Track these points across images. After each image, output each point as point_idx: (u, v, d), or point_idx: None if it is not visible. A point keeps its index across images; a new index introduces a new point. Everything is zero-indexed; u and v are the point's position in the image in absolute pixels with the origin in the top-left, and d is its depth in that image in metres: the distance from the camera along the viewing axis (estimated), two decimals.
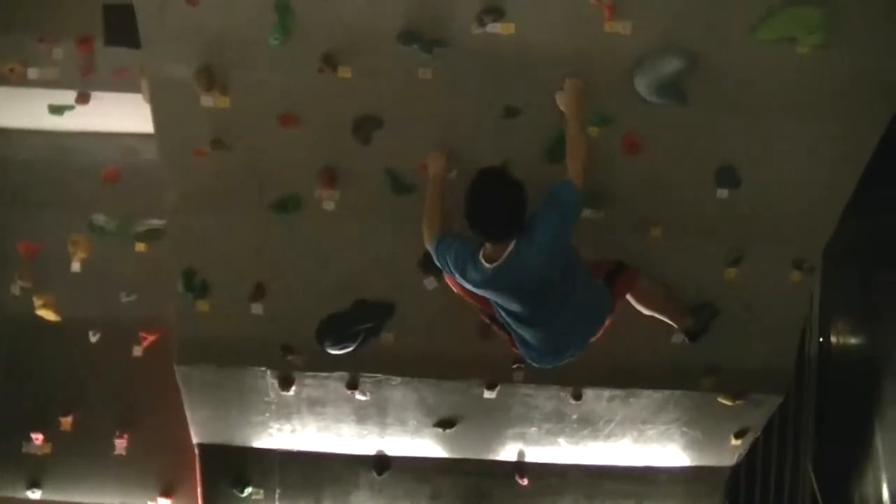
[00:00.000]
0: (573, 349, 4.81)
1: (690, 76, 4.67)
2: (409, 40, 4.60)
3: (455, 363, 5.62)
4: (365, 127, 4.90)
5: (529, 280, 4.28)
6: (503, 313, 4.59)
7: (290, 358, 5.54)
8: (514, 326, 4.62)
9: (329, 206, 5.13)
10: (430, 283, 5.32)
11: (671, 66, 4.60)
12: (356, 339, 5.31)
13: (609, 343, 5.44)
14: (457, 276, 4.45)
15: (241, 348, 5.53)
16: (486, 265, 4.23)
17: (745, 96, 4.87)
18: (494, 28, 4.53)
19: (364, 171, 5.06)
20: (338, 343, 5.29)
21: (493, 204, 4.14)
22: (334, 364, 5.58)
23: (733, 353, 5.72)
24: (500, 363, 5.64)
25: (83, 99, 5.64)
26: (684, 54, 4.57)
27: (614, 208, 5.19)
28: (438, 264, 4.59)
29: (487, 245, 4.27)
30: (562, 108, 4.61)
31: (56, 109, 5.76)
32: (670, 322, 5.32)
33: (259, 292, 5.36)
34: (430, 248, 4.60)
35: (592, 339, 4.86)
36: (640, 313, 5.28)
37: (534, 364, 4.88)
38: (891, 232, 6.62)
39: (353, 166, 5.05)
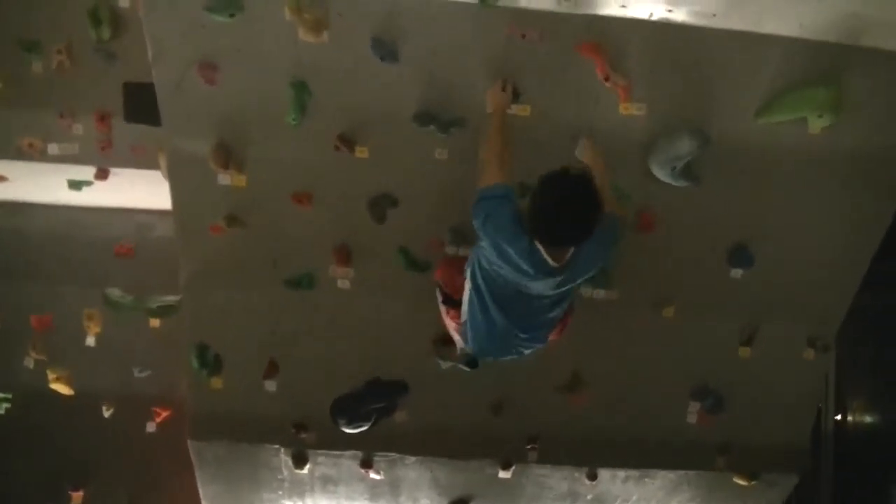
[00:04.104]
0: (516, 350, 4.46)
1: (703, 156, 4.70)
2: (426, 121, 4.66)
3: (469, 442, 5.60)
4: (380, 205, 4.94)
5: (560, 285, 4.06)
6: (486, 290, 4.19)
7: (303, 435, 5.51)
8: (483, 306, 4.24)
9: (344, 284, 5.14)
10: (443, 364, 5.28)
11: (684, 147, 4.62)
12: (370, 418, 5.27)
13: (624, 422, 5.48)
14: (485, 242, 4.00)
15: (255, 425, 5.50)
16: (552, 262, 3.89)
17: (757, 175, 4.93)
18: (511, 109, 4.56)
19: (378, 249, 5.08)
20: (351, 422, 5.25)
21: (574, 215, 3.72)
22: (348, 442, 5.54)
23: (748, 433, 5.70)
24: (514, 443, 5.63)
25: (102, 175, 5.67)
26: (697, 135, 4.59)
27: (628, 287, 5.20)
28: (475, 209, 4.04)
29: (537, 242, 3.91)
30: (582, 159, 4.56)
31: (75, 184, 5.78)
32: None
33: (272, 369, 5.35)
34: (485, 190, 4.06)
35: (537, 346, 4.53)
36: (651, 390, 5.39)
37: (472, 353, 4.52)
38: None
39: (368, 244, 5.07)
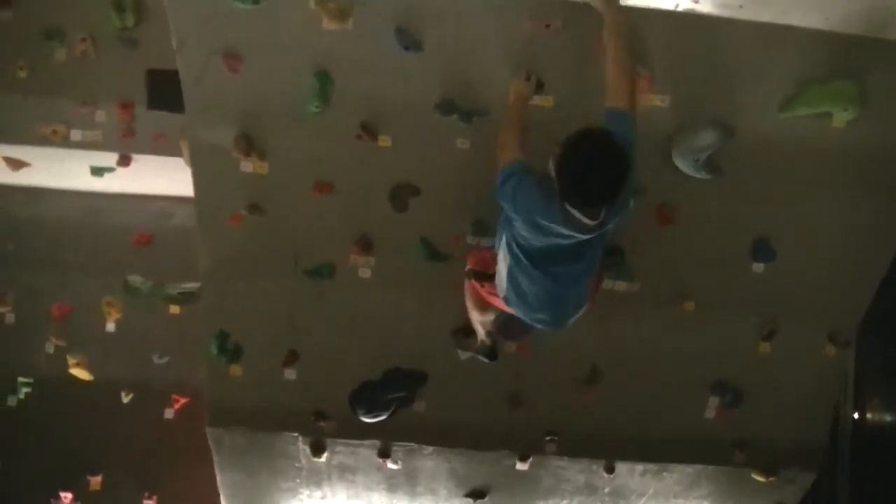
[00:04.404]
0: (570, 310, 4.33)
1: (725, 149, 4.68)
2: (448, 110, 4.66)
3: (487, 433, 5.60)
4: (402, 195, 4.93)
5: (599, 232, 3.94)
6: (526, 260, 4.07)
7: (322, 424, 5.52)
8: (527, 275, 4.12)
9: (364, 273, 5.14)
10: (463, 354, 5.29)
11: (707, 139, 4.60)
12: (389, 408, 5.29)
13: (642, 416, 5.46)
14: (517, 217, 3.95)
15: (273, 413, 5.51)
16: (588, 221, 3.75)
17: (780, 169, 4.89)
18: (533, 100, 4.55)
19: (399, 238, 5.07)
20: (370, 411, 5.28)
21: (603, 178, 3.60)
22: (366, 432, 5.55)
23: (766, 429, 5.68)
24: (531, 435, 5.62)
25: (124, 161, 5.70)
26: (720, 128, 4.57)
27: (648, 281, 5.18)
28: (501, 192, 3.98)
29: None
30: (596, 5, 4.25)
31: (97, 171, 5.82)
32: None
33: (292, 358, 5.35)
34: (504, 169, 4.00)
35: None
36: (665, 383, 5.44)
37: (530, 320, 4.36)
38: None
39: (389, 234, 5.06)
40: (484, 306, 4.69)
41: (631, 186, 3.84)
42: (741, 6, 4.35)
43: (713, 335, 5.39)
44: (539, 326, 4.38)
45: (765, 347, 5.43)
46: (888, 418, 7.18)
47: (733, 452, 5.74)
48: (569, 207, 3.73)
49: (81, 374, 6.31)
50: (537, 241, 3.97)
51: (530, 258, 4.05)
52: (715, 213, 5.02)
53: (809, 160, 4.85)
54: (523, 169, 3.96)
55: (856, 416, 7.22)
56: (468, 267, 4.71)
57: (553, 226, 3.83)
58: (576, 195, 3.68)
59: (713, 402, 5.57)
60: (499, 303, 4.48)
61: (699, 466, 5.82)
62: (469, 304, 4.82)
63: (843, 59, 4.52)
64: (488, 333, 4.89)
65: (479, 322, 4.82)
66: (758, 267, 5.16)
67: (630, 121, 3.89)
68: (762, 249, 5.11)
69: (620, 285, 5.17)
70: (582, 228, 3.81)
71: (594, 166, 3.58)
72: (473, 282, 4.66)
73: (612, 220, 3.91)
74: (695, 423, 5.62)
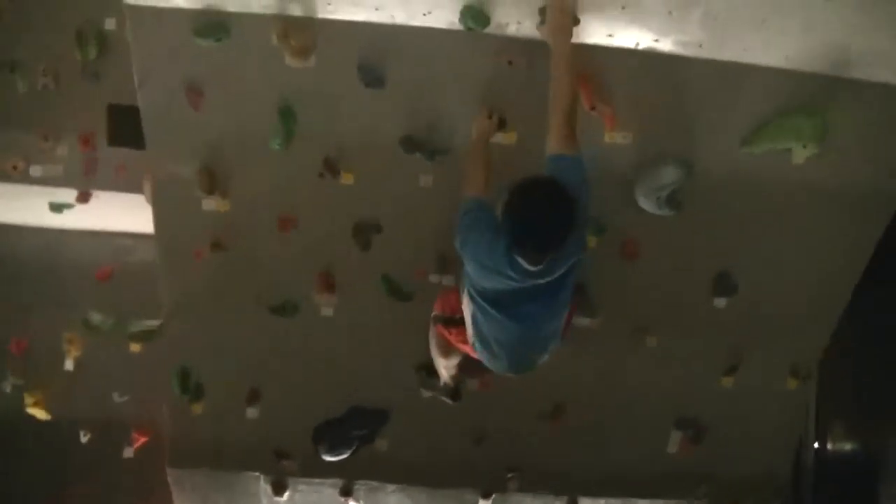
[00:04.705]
0: (536, 354, 4.29)
1: (688, 185, 4.70)
2: (412, 148, 4.65)
3: (450, 471, 5.58)
4: (364, 232, 4.92)
5: (550, 277, 3.87)
6: (488, 305, 4.03)
7: (283, 463, 5.47)
8: (492, 320, 4.07)
9: (327, 311, 5.13)
10: (425, 392, 5.26)
11: (669, 176, 4.62)
12: (351, 446, 5.26)
13: (604, 451, 5.45)
14: (466, 256, 3.92)
15: (235, 452, 5.47)
16: (530, 268, 3.71)
17: (741, 204, 4.91)
18: (496, 137, 4.54)
19: (363, 276, 5.05)
20: (332, 449, 5.25)
21: (546, 227, 3.57)
22: (328, 470, 5.51)
23: (729, 462, 5.69)
24: (494, 472, 5.60)
25: (83, 198, 5.64)
26: (682, 165, 4.59)
27: (611, 316, 5.18)
28: (456, 234, 3.96)
29: None
30: (545, 38, 4.21)
31: (56, 207, 5.76)
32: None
33: (254, 396, 5.32)
34: (463, 206, 4.00)
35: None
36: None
37: (494, 368, 4.32)
38: (887, 334, 6.61)
39: (352, 271, 5.04)
40: (448, 351, 4.66)
41: (581, 230, 3.86)
42: (701, 45, 4.37)
43: (676, 369, 5.40)
44: (500, 372, 4.33)
45: (727, 381, 5.44)
46: (848, 447, 7.22)
47: (696, 486, 5.73)
48: (513, 253, 3.71)
49: (39, 413, 6.22)
50: (490, 283, 3.94)
51: (489, 301, 4.01)
52: (677, 248, 5.04)
53: (770, 196, 4.87)
54: (480, 208, 3.94)
55: (817, 445, 7.25)
56: (435, 312, 4.69)
57: (500, 268, 3.81)
58: (519, 242, 3.65)
59: (676, 436, 5.57)
60: (467, 348, 4.44)
61: (661, 501, 5.81)
62: (433, 348, 4.78)
63: (802, 96, 4.54)
64: (452, 377, 4.87)
65: (444, 366, 4.80)
66: (720, 301, 5.18)
67: (574, 163, 3.83)
68: (724, 284, 5.12)
69: (583, 321, 5.16)
70: (527, 274, 3.79)
71: (538, 216, 3.58)
72: (440, 327, 4.63)
73: (563, 266, 3.87)
74: (658, 458, 5.63)
